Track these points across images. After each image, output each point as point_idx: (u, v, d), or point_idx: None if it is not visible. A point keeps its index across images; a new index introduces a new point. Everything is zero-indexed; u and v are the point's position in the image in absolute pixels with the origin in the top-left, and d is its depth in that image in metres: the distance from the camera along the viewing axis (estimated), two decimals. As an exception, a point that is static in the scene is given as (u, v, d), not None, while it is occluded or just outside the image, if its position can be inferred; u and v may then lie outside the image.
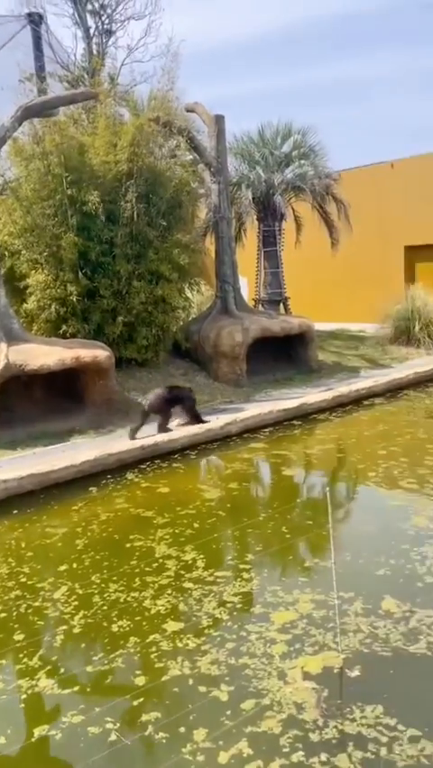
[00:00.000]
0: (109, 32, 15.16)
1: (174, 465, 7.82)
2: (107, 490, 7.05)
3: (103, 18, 15.19)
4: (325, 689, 3.52)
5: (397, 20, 54.32)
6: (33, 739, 3.33)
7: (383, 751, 3.05)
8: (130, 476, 7.44)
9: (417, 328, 14.25)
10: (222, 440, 8.70)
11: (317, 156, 14.57)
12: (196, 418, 9.00)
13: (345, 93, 55.46)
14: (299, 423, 9.48)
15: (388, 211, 18.48)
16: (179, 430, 8.64)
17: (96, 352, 9.34)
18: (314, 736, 3.17)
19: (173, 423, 8.93)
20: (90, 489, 7.06)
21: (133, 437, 8.41)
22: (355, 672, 3.64)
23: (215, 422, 8.90)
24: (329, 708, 3.36)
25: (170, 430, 8.62)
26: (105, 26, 15.09)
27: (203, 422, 8.90)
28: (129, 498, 6.77)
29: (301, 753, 3.07)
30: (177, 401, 8.93)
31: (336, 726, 3.22)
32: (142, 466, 7.73)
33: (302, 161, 14.56)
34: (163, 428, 8.64)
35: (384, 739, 3.12)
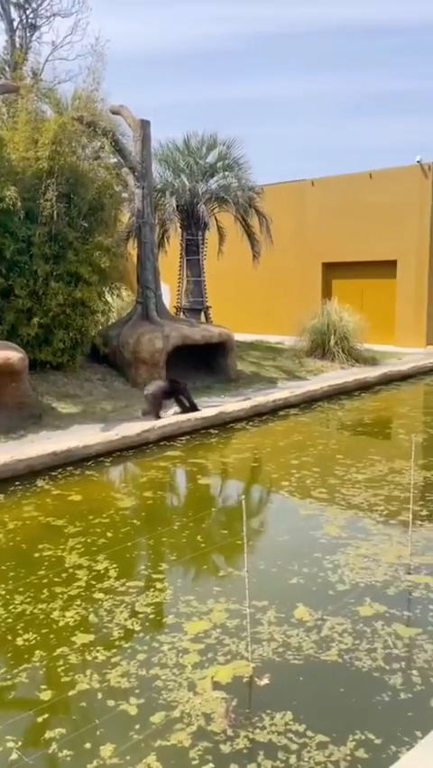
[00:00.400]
0: (34, 27, 14.77)
1: (87, 473, 7.61)
2: (15, 498, 6.76)
3: (27, 12, 14.79)
4: (234, 698, 3.48)
5: (325, 45, 56.40)
6: None
7: (293, 759, 3.04)
8: (40, 483, 7.17)
9: (332, 342, 14.68)
10: (138, 447, 8.57)
11: (241, 169, 14.77)
12: (193, 407, 9.92)
13: (269, 111, 56.83)
14: (217, 431, 9.50)
15: (308, 227, 19.01)
16: (95, 436, 8.43)
17: (9, 354, 8.97)
18: (224, 748, 3.12)
19: (169, 411, 9.70)
20: (-3, 495, 6.75)
21: (145, 416, 9.49)
22: (265, 681, 3.63)
23: (131, 429, 8.76)
24: (237, 718, 3.33)
25: (160, 417, 9.45)
26: (29, 20, 14.69)
27: (198, 410, 9.83)
28: (39, 506, 6.51)
29: (211, 765, 3.01)
30: (176, 392, 9.91)
31: (246, 736, 3.19)
32: (54, 473, 7.47)
33: (226, 173, 14.70)
34: (157, 415, 9.52)
35: (294, 747, 3.11)
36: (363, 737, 3.17)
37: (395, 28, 55.52)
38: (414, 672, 3.68)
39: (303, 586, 4.73)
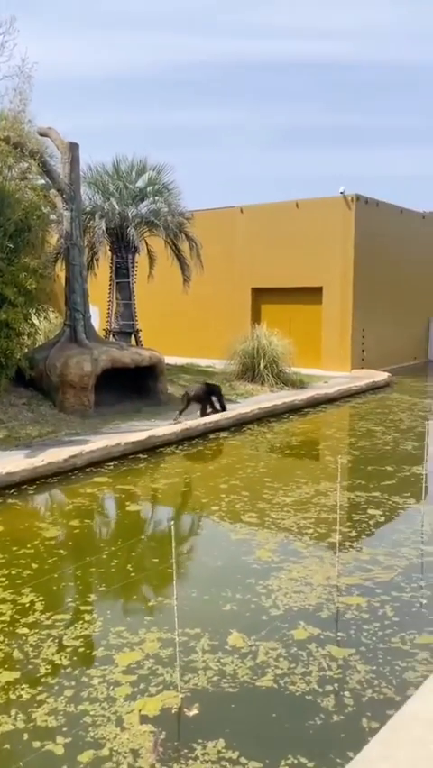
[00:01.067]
0: (-42, 45, 14.42)
1: (9, 501, 7.32)
2: None
3: None
4: (162, 731, 3.39)
5: (250, 76, 58.24)
6: None
7: None
8: (-39, 513, 6.84)
9: (261, 366, 14.90)
10: (65, 474, 8.34)
11: (171, 194, 14.90)
12: (223, 408, 11.69)
13: (199, 138, 57.93)
14: (147, 456, 9.39)
15: (237, 253, 19.36)
16: (19, 462, 8.14)
17: None
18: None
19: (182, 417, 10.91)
20: None
21: (177, 420, 10.91)
22: (194, 711, 3.56)
23: (57, 455, 8.53)
24: (166, 752, 3.24)
25: (208, 414, 11.37)
26: None
27: (225, 410, 11.64)
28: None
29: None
30: (213, 393, 11.71)
31: (177, 772, 3.10)
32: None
33: (156, 198, 14.79)
34: (204, 413, 11.35)
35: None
36: (296, 761, 3.15)
37: (321, 63, 58.09)
38: (346, 693, 3.70)
39: (236, 612, 4.70)
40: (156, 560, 5.80)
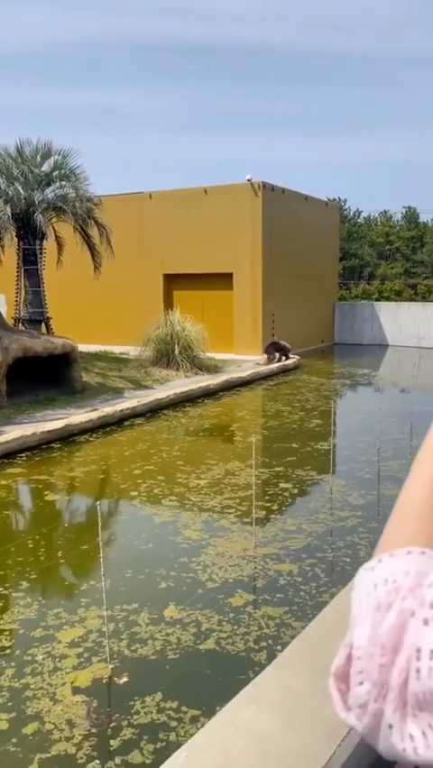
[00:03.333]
0: None
1: None
2: None
3: None
4: (94, 699, 3.54)
5: (163, 59, 57.57)
6: None
7: (172, 736, 3.19)
8: None
9: (176, 351, 15.07)
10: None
11: (78, 179, 14.64)
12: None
13: (103, 120, 56.78)
14: (64, 444, 9.35)
15: (148, 239, 19.34)
16: None
17: None
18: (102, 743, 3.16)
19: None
20: None
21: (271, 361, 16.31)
22: (124, 679, 3.73)
23: (-28, 446, 8.35)
24: (99, 717, 3.39)
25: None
26: None
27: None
28: None
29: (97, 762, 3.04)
30: (282, 350, 17.01)
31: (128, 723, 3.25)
32: None
33: (63, 183, 14.50)
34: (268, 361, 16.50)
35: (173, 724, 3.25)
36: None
37: (232, 49, 58.32)
38: (279, 647, 3.99)
39: (174, 588, 4.85)
40: (85, 546, 5.84)
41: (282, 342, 17.15)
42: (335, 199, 30.41)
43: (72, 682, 3.69)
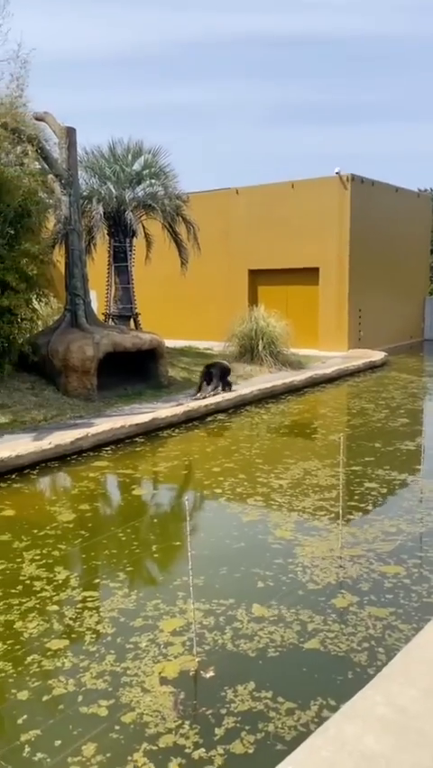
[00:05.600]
0: None
1: (15, 486, 7.47)
2: None
3: None
4: (181, 691, 3.61)
5: (243, 52, 57.53)
6: None
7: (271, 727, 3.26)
8: (-28, 497, 7.01)
9: (260, 347, 15.06)
10: (72, 455, 8.53)
11: (167, 177, 14.91)
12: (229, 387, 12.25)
13: (194, 118, 57.40)
14: (147, 438, 9.57)
15: (234, 235, 19.40)
16: (27, 446, 8.32)
17: None
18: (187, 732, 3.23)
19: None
20: None
21: (201, 396, 11.61)
22: (210, 673, 3.78)
23: (64, 437, 8.71)
24: (185, 709, 3.46)
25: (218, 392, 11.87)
26: None
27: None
28: (-26, 521, 6.36)
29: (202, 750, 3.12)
30: (227, 374, 12.37)
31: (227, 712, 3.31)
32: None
33: (153, 181, 14.81)
34: (215, 389, 11.85)
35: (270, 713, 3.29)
36: (325, 702, 3.46)
37: (318, 39, 57.45)
38: (380, 649, 3.94)
39: (273, 587, 4.84)
40: (177, 542, 5.93)
41: (223, 363, 12.65)
42: (427, 190, 29.33)
43: (160, 672, 3.78)
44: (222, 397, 11.58)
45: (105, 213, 13.79)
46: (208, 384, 11.71)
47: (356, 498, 6.90)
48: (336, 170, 17.77)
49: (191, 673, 3.81)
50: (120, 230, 14.48)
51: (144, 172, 14.79)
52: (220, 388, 11.80)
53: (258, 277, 19.50)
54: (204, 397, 11.22)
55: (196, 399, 11.23)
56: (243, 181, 19.77)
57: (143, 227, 15.43)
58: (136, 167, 14.89)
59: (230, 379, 12.45)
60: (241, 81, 59.13)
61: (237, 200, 19.50)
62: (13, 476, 7.73)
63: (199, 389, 11.75)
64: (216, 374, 11.83)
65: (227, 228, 19.37)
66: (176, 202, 14.75)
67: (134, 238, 14.96)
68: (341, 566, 5.18)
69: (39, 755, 3.15)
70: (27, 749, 3.19)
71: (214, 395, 11.43)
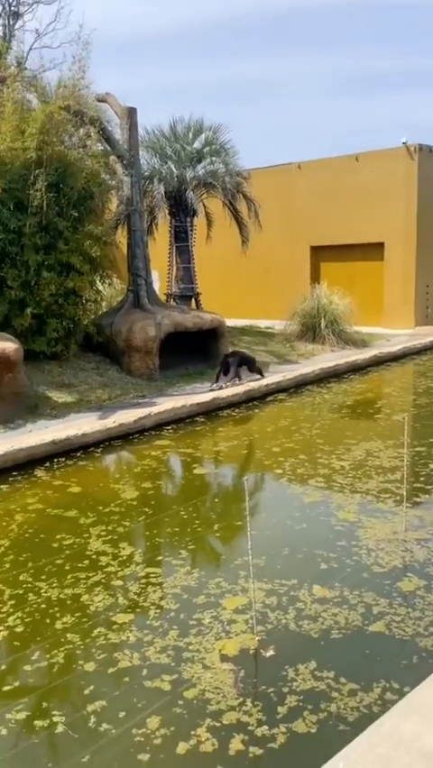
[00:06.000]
0: (17, 15, 14.59)
1: (80, 463, 7.67)
2: (18, 489, 6.85)
3: (10, 0, 14.60)
4: (241, 669, 3.65)
5: (309, 22, 55.97)
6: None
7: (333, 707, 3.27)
8: (39, 473, 7.25)
9: (322, 325, 14.83)
10: (136, 434, 8.69)
11: (228, 154, 14.77)
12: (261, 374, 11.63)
13: (255, 91, 56.43)
14: (207, 418, 9.62)
15: (296, 211, 19.06)
16: (93, 424, 8.53)
17: (4, 345, 9.02)
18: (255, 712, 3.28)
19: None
20: (0, 487, 6.84)
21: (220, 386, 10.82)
22: (270, 652, 3.80)
23: (127, 416, 8.88)
24: (246, 687, 3.50)
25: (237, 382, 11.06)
26: (12, 8, 14.51)
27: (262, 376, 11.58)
28: (42, 498, 6.58)
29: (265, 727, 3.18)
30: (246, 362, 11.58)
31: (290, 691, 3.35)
32: (51, 463, 7.54)
33: (213, 158, 14.71)
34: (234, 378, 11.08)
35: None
36: (388, 685, 3.43)
37: (377, 4, 55.20)
38: None
39: (336, 569, 4.81)
40: (238, 522, 5.96)
41: (243, 352, 12.08)
42: None
43: (221, 650, 3.83)
44: (282, 376, 11.49)
45: (166, 192, 13.82)
46: (226, 374, 11.02)
47: (422, 479, 6.74)
48: (403, 141, 17.11)
49: (251, 652, 3.84)
50: (181, 209, 14.49)
51: (205, 150, 14.70)
52: (237, 378, 11.01)
53: (320, 253, 19.13)
54: (220, 388, 10.63)
55: (212, 390, 10.59)
56: (305, 156, 19.31)
57: (204, 206, 15.36)
58: (197, 145, 14.81)
59: (290, 357, 12.32)
60: (301, 53, 57.58)
61: (299, 175, 19.11)
62: (79, 453, 7.94)
63: (217, 379, 11.02)
64: (234, 364, 11.12)
65: (289, 204, 19.04)
66: (237, 179, 14.61)
67: (195, 217, 14.94)
68: (407, 549, 5.09)
69: (104, 726, 3.27)
70: (93, 719, 3.32)
71: (231, 385, 10.76)
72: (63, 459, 7.70)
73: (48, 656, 3.89)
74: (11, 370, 9.12)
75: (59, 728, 3.26)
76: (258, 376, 11.39)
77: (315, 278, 18.34)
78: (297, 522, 5.82)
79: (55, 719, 3.33)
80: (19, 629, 4.19)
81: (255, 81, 55.93)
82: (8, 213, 10.14)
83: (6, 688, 3.65)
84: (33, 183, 10.17)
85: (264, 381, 11.12)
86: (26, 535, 5.69)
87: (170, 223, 14.82)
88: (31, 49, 13.61)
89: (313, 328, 14.96)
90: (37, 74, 11.97)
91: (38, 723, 3.31)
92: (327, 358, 13.51)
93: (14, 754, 3.15)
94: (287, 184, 19.12)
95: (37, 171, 10.17)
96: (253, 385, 10.84)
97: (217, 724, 3.22)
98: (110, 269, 12.53)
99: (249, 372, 11.37)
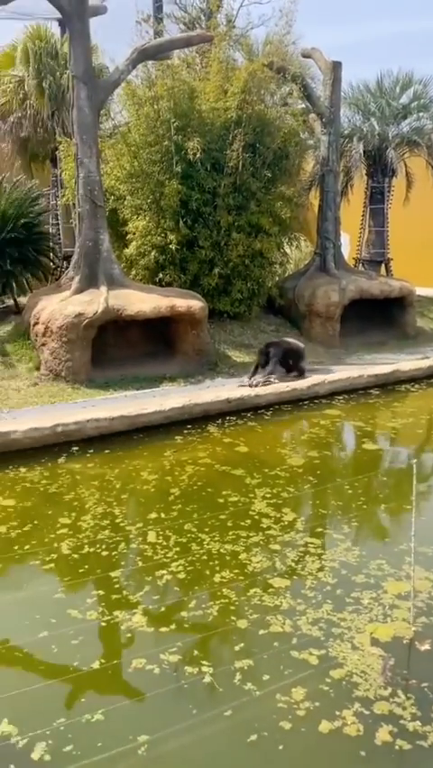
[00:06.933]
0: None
1: (250, 424, 7.81)
2: (191, 441, 7.19)
3: None
4: (391, 656, 3.52)
5: None
6: (130, 670, 3.53)
7: None
8: (211, 429, 7.52)
9: None
10: (306, 401, 8.64)
11: (436, 108, 13.62)
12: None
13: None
14: (382, 392, 9.21)
15: None
16: (267, 386, 8.62)
17: (191, 303, 9.41)
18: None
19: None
20: (175, 437, 7.23)
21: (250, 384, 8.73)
22: (426, 646, 3.63)
23: (300, 382, 8.83)
24: (394, 676, 3.39)
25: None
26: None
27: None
28: (212, 453, 6.84)
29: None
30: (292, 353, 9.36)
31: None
32: (223, 420, 7.77)
33: (421, 113, 13.67)
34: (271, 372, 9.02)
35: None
36: None
37: None
38: None
39: None
40: (407, 505, 5.69)
41: (290, 342, 9.59)
42: None
43: (372, 633, 3.75)
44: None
45: (364, 151, 13.17)
46: (264, 367, 8.93)
47: None
48: None
49: (405, 641, 3.70)
50: (379, 169, 13.75)
51: (412, 105, 13.69)
52: (274, 376, 8.84)
53: None
54: (250, 386, 8.50)
55: (242, 386, 8.57)
56: None
57: (405, 165, 14.41)
58: (404, 100, 13.83)
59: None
60: None
61: None
62: (249, 414, 8.10)
63: (255, 372, 8.89)
64: (276, 355, 8.95)
65: None
66: (444, 136, 13.46)
67: (394, 178, 14.09)
68: None
69: (249, 685, 3.38)
70: (238, 676, 3.45)
71: (265, 384, 8.60)
72: (234, 418, 7.92)
73: (204, 606, 4.10)
74: (196, 327, 9.51)
75: (207, 678, 3.44)
76: (296, 373, 9.10)
77: None
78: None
79: (204, 669, 3.51)
80: (181, 575, 4.46)
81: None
82: (205, 173, 10.40)
83: (163, 629, 3.92)
84: (231, 143, 10.28)
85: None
86: (194, 488, 5.98)
87: (366, 183, 14.15)
88: (241, 6, 13.50)
89: None
90: (245, 31, 11.95)
91: (188, 669, 3.52)
92: None
93: (163, 693, 3.39)
94: None
95: (235, 131, 10.24)
96: (259, 391, 8.49)
97: (366, 711, 3.17)
98: (299, 231, 12.38)
99: (287, 372, 9.10)
